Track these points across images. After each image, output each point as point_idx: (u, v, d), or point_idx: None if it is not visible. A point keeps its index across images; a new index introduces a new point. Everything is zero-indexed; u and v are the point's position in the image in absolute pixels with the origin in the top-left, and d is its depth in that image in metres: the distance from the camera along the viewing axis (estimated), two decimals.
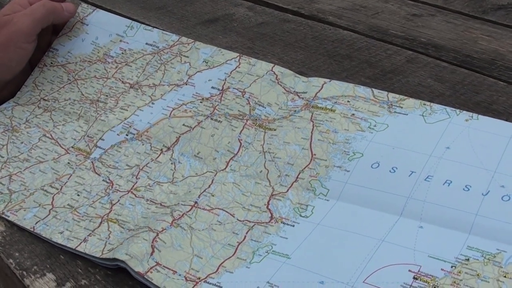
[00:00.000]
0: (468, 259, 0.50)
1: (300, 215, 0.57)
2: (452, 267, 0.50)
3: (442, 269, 0.50)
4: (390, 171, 0.58)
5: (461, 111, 0.61)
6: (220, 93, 0.69)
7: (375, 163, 0.59)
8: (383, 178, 0.58)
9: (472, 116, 0.61)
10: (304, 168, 0.61)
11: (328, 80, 0.67)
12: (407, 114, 0.63)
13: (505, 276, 0.49)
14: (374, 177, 0.58)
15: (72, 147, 0.69)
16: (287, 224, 0.57)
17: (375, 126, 0.62)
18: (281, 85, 0.68)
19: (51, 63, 0.79)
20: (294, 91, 0.67)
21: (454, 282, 0.49)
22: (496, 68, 0.79)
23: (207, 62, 0.72)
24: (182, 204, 0.59)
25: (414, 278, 0.50)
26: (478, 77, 0.77)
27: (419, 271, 0.50)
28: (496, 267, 0.49)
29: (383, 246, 0.53)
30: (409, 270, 0.50)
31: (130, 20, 0.81)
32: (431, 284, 0.49)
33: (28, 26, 0.74)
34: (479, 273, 0.49)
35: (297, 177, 0.60)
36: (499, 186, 0.55)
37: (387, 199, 0.56)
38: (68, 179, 0.65)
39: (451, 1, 0.99)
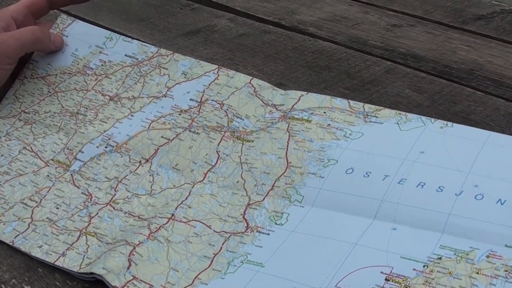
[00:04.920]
0: (440, 258, 0.50)
1: (276, 223, 0.57)
2: (424, 266, 0.50)
3: (414, 269, 0.50)
4: (364, 175, 0.59)
5: (436, 119, 0.62)
6: (198, 105, 0.69)
7: (349, 169, 0.59)
8: (357, 182, 0.58)
9: (447, 124, 0.61)
10: (280, 176, 0.61)
11: (305, 92, 0.68)
12: (382, 123, 0.63)
13: (477, 273, 0.49)
14: (348, 182, 0.58)
15: (52, 159, 0.69)
16: (262, 233, 0.57)
17: (350, 134, 0.62)
18: (259, 98, 0.68)
19: (32, 75, 0.79)
20: (272, 104, 0.68)
21: (426, 281, 0.49)
22: (474, 78, 0.80)
23: (185, 74, 0.73)
24: (159, 217, 0.59)
25: (386, 279, 0.50)
26: (457, 87, 0.78)
27: (391, 272, 0.50)
28: (468, 264, 0.49)
29: (356, 249, 0.53)
30: (381, 272, 0.50)
31: (110, 31, 0.81)
32: (403, 285, 0.49)
33: (15, 50, 0.74)
34: (451, 271, 0.49)
35: (273, 186, 0.60)
36: (472, 185, 0.55)
37: (361, 203, 0.57)
38: (48, 191, 0.65)
39: (431, 12, 1.00)
